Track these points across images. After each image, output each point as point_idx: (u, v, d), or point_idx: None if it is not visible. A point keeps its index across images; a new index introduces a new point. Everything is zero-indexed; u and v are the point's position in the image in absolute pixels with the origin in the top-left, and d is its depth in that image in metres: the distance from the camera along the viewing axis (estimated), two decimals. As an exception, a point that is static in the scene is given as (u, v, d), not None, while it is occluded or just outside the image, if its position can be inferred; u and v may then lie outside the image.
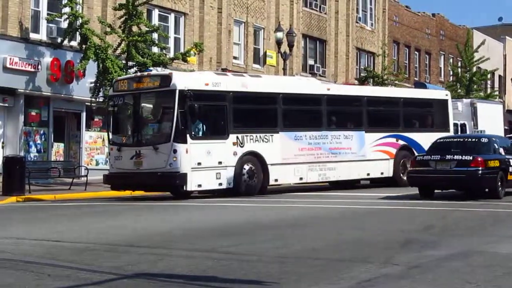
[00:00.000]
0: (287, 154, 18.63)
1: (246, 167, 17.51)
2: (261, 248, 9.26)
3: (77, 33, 23.81)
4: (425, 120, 24.25)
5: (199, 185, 16.58)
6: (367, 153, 20.99)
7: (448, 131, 23.49)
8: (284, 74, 30.65)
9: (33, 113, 24.60)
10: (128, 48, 23.51)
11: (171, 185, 16.71)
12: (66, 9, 23.90)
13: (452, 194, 18.37)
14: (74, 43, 24.52)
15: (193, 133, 16.52)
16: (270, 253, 8.81)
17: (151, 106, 18.17)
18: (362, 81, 38.38)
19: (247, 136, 17.65)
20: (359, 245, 9.83)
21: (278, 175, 18.53)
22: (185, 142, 15.99)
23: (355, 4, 40.25)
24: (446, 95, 25.13)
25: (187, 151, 16.01)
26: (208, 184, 16.83)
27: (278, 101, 18.96)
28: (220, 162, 16.87)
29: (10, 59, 22.23)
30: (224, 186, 17.14)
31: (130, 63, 23.40)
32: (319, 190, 20.83)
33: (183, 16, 30.34)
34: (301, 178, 19.34)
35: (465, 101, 34.05)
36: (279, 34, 29.32)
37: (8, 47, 22.94)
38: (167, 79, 16.87)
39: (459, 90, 42.75)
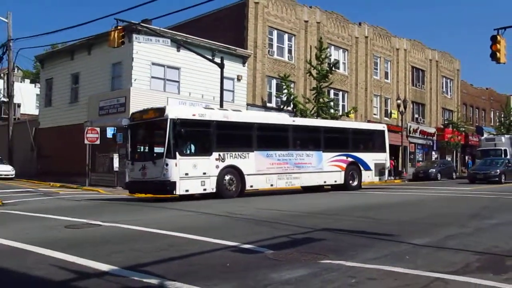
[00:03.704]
0: (260, 167, 20.57)
1: (227, 177, 19.26)
2: (384, 216, 12.63)
3: (291, 103, 35.20)
4: (368, 144, 26.79)
5: (187, 190, 17.97)
6: (324, 167, 23.50)
7: (384, 152, 27.09)
8: (402, 124, 43.17)
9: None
10: (317, 110, 35.16)
11: (164, 190, 17.79)
12: (285, 91, 35.89)
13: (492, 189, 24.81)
14: (289, 108, 34.91)
15: (181, 151, 17.87)
16: (390, 219, 11.92)
17: (153, 131, 19.72)
18: (445, 126, 54.35)
19: (227, 153, 19.34)
20: (444, 216, 12.90)
21: (253, 183, 20.43)
22: (174, 158, 17.41)
23: (441, 83, 56.32)
24: (383, 127, 28.51)
25: (176, 165, 17.44)
26: (194, 189, 18.34)
27: (253, 128, 20.93)
28: (204, 173, 18.47)
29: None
30: (208, 191, 18.64)
31: (319, 118, 33.24)
32: (299, 193, 23.00)
33: (346, 93, 43.60)
34: (271, 185, 21.34)
35: (506, 136, 47.78)
36: (398, 101, 42.68)
37: (255, 109, 32.09)
38: (162, 111, 18.19)
39: (503, 130, 58.35)
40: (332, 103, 37.75)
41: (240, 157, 19.94)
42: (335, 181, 24.08)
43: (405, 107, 43.38)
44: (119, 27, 22.42)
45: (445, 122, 55.67)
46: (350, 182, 24.63)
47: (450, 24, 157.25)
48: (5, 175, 34.00)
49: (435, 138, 54.28)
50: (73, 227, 10.88)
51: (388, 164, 27.50)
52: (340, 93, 42.99)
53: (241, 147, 20.25)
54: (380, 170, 26.45)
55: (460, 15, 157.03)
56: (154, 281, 5.85)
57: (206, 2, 18.99)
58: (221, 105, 26.63)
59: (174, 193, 17.61)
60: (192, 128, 18.67)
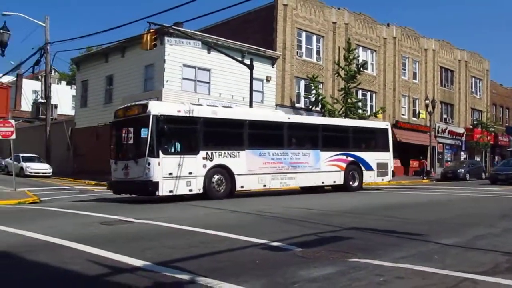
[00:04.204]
0: (252, 167, 19.06)
1: (216, 177, 17.91)
2: (411, 216, 12.36)
3: (319, 103, 35.49)
4: (370, 142, 25.12)
5: (171, 191, 16.61)
6: (322, 166, 21.81)
7: (388, 151, 25.27)
8: (430, 124, 42.50)
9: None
10: (345, 111, 35.25)
11: (146, 190, 16.53)
12: (313, 91, 36.16)
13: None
14: (317, 109, 35.71)
15: (165, 149, 16.56)
16: (417, 219, 11.64)
17: (136, 129, 17.97)
18: (474, 126, 53.84)
19: (216, 152, 17.94)
20: (472, 216, 12.70)
21: (244, 183, 18.90)
22: (157, 156, 16.16)
23: (470, 83, 55.53)
24: (387, 125, 26.52)
25: (159, 164, 16.17)
26: (179, 190, 16.86)
27: (245, 125, 19.33)
28: (190, 173, 17.09)
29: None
30: (194, 192, 17.24)
31: (347, 118, 32.92)
32: (297, 194, 21.26)
33: (374, 93, 43.47)
34: (264, 185, 19.78)
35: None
36: (427, 101, 42.14)
37: (284, 111, 28.48)
38: (145, 107, 16.87)
39: None
40: (360, 104, 37.58)
41: (230, 156, 18.54)
42: (334, 182, 22.50)
43: (433, 107, 42.95)
44: (151, 30, 22.74)
45: (474, 122, 54.96)
46: (350, 182, 23.06)
47: (480, 23, 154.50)
48: (43, 173, 34.75)
49: (463, 138, 53.46)
50: (107, 223, 11.02)
51: (392, 164, 25.74)
52: (368, 94, 42.75)
53: (232, 145, 18.82)
54: (383, 170, 24.80)
55: (491, 15, 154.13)
56: (185, 276, 5.89)
57: (236, 5, 18.90)
58: (251, 106, 26.79)
59: (157, 194, 16.39)
60: (177, 125, 17.39)
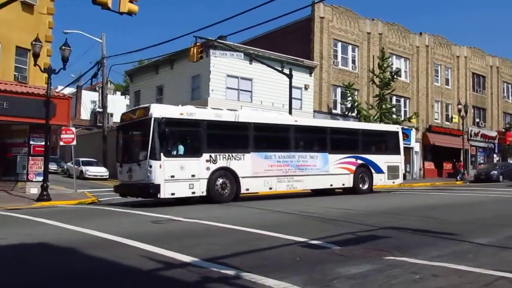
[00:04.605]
0: (257, 169, 17.94)
1: (220, 180, 16.85)
2: (445, 216, 12.11)
3: (355, 109, 35.16)
4: (380, 145, 23.62)
5: (173, 194, 15.75)
6: (331, 169, 20.38)
7: (399, 154, 23.54)
8: (463, 128, 41.49)
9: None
10: (380, 116, 34.68)
11: (148, 193, 15.72)
12: (349, 98, 35.63)
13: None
14: (353, 114, 35.33)
15: (167, 152, 15.69)
16: (452, 219, 11.41)
17: (139, 132, 16.99)
18: (507, 130, 52.20)
19: (220, 155, 16.89)
20: (505, 217, 12.40)
21: (249, 186, 17.73)
22: (159, 159, 15.32)
23: (502, 88, 53.49)
24: (397, 128, 24.73)
25: (160, 166, 15.33)
26: (181, 192, 15.99)
27: (250, 128, 18.19)
28: (193, 175, 16.12)
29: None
30: (197, 194, 16.32)
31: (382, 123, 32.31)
32: (307, 196, 19.69)
33: (408, 99, 42.77)
34: (270, 188, 18.57)
35: None
36: (459, 106, 40.99)
37: (321, 117, 32.57)
38: (147, 110, 16.06)
39: None
40: (394, 109, 37.01)
41: (235, 158, 17.35)
42: (343, 184, 21.03)
43: (466, 112, 41.80)
44: (197, 44, 22.99)
45: (507, 126, 53.24)
46: (360, 185, 21.52)
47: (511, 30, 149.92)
48: (100, 176, 35.53)
49: (496, 141, 51.92)
50: (158, 222, 11.16)
51: (403, 167, 24.00)
52: (402, 100, 42.12)
53: (236, 148, 17.63)
54: (393, 173, 23.10)
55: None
56: (231, 272, 5.90)
57: (276, 19, 19.05)
58: (290, 112, 26.67)
59: (158, 196, 15.46)
60: (180, 128, 16.43)
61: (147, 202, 16.50)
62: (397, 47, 42.07)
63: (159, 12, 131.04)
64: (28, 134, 22.95)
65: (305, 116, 30.66)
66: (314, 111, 34.75)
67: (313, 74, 35.27)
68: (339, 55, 37.84)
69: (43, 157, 20.68)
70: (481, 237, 8.50)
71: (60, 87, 39.74)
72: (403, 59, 42.78)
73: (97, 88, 57.31)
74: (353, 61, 38.86)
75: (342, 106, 37.06)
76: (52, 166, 36.02)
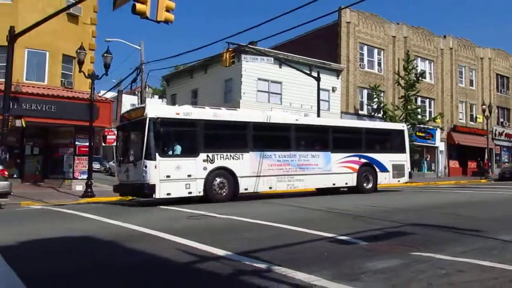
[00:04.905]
0: (256, 169, 17.00)
1: (218, 179, 16.04)
2: (470, 213, 11.88)
3: (381, 110, 34.81)
4: (384, 144, 22.24)
5: (168, 194, 15.05)
6: (333, 168, 19.27)
7: (404, 152, 22.17)
8: (487, 127, 40.57)
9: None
10: (406, 116, 33.78)
11: (143, 193, 15.06)
12: (375, 99, 35.19)
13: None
14: (379, 115, 34.82)
15: (162, 152, 14.99)
16: (476, 216, 11.23)
17: (136, 131, 16.24)
18: None
19: (217, 154, 16.07)
20: None
21: (248, 185, 16.81)
22: (154, 159, 14.65)
23: None
24: (403, 126, 23.39)
25: (155, 167, 14.67)
26: (177, 192, 15.28)
27: (248, 128, 17.26)
28: (189, 175, 15.39)
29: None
30: (194, 194, 15.56)
31: (407, 124, 29.79)
32: (311, 195, 18.88)
33: (433, 100, 41.99)
34: (270, 187, 17.59)
35: None
36: (483, 107, 40.06)
37: (348, 118, 32.17)
38: (142, 110, 15.42)
39: None
40: (419, 110, 36.31)
41: (233, 158, 16.48)
42: (346, 183, 19.87)
43: (490, 112, 40.82)
44: (230, 49, 23.04)
45: (529, 125, 51.47)
46: (364, 184, 20.29)
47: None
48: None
49: (520, 140, 50.52)
50: (193, 218, 11.26)
51: (408, 165, 22.53)
52: (427, 100, 41.34)
53: (234, 147, 16.72)
54: (399, 171, 21.72)
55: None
56: (262, 265, 5.89)
57: (304, 24, 18.90)
58: (318, 114, 26.62)
59: (154, 196, 14.79)
60: (176, 128, 15.72)
61: (182, 200, 16.49)
62: (421, 50, 41.36)
63: (193, 20, 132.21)
64: (73, 136, 23.59)
65: (333, 117, 30.48)
66: (342, 112, 34.49)
67: (340, 77, 35.00)
68: (365, 58, 37.46)
69: (87, 157, 21.06)
70: (506, 234, 8.25)
71: (102, 92, 40.52)
72: (427, 61, 42.05)
73: (136, 92, 57.93)
74: (379, 64, 38.39)
75: (369, 107, 36.61)
76: (96, 165, 36.35)
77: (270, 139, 18.19)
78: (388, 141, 22.44)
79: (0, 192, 15.34)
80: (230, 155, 16.45)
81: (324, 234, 8.18)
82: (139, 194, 15.56)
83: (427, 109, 40.78)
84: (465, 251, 6.77)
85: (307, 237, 7.99)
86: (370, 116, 35.43)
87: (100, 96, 26.98)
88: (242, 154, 16.73)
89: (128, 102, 63.18)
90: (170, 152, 15.44)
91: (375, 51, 38.18)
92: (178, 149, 15.68)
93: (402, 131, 22.62)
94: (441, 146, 42.24)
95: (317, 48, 35.51)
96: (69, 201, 16.90)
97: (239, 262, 6.11)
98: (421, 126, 34.77)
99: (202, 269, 5.94)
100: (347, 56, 35.89)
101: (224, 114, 16.96)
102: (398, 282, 5.16)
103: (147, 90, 52.18)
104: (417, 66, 38.09)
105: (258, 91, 30.77)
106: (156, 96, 75.09)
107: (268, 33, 70.84)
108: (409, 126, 32.42)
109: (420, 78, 35.87)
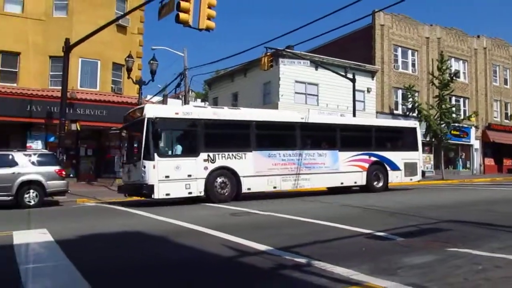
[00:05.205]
0: (260, 168, 16.05)
1: (219, 179, 15.22)
2: (506, 210, 11.53)
3: (415, 110, 33.17)
4: (396, 142, 20.87)
5: (167, 194, 14.28)
6: (341, 167, 18.08)
7: (416, 150, 20.79)
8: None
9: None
10: (440, 115, 32.45)
11: (142, 193, 14.45)
12: (410, 99, 33.92)
13: None
14: (414, 115, 33.26)
15: (161, 152, 14.41)
16: None
17: (136, 132, 15.45)
18: None
19: (218, 154, 15.22)
20: None
21: (251, 185, 15.89)
22: (152, 159, 13.97)
23: None
24: (415, 124, 22.00)
25: (154, 167, 14.00)
26: (177, 193, 14.52)
27: (251, 127, 16.28)
28: (189, 175, 14.63)
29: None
30: (194, 195, 14.79)
31: (442, 123, 31.92)
32: (322, 195, 18.36)
33: (467, 99, 40.94)
34: (274, 187, 16.56)
35: None
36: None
37: (383, 117, 31.59)
38: (141, 110, 14.74)
39: None
40: (453, 109, 35.18)
41: (235, 157, 15.59)
42: (355, 182, 18.60)
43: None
44: (268, 54, 23.14)
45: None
46: (375, 183, 18.99)
47: None
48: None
49: (557, 138, 48.29)
50: (236, 214, 11.33)
51: (421, 163, 21.17)
52: (461, 99, 40.21)
53: (237, 147, 15.84)
54: (411, 170, 20.32)
55: None
56: (302, 260, 5.89)
57: (339, 28, 18.79)
58: (354, 114, 26.33)
59: (153, 197, 14.08)
60: (175, 128, 15.13)
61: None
62: (455, 50, 40.31)
63: (233, 26, 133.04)
64: (123, 138, 24.03)
65: (368, 117, 29.89)
66: (377, 112, 34.05)
67: (375, 78, 34.56)
68: (399, 59, 36.87)
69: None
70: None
71: (149, 96, 41.31)
72: (461, 61, 40.93)
73: (180, 96, 58.77)
74: (413, 65, 37.67)
75: (403, 107, 35.89)
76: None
77: (274, 137, 17.36)
78: (400, 139, 21.19)
79: (58, 191, 15.93)
80: (232, 155, 15.62)
81: (361, 230, 8.08)
82: (139, 194, 14.86)
83: (462, 108, 39.68)
84: (502, 247, 6.54)
85: (345, 233, 7.92)
86: (405, 116, 34.66)
87: (147, 101, 27.51)
88: (245, 154, 15.87)
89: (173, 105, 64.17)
90: (170, 152, 14.92)
91: (409, 52, 37.52)
92: (177, 149, 15.14)
93: (414, 129, 21.30)
94: (476, 144, 41.02)
95: (352, 51, 35.17)
96: (120, 199, 17.29)
97: (280, 257, 6.13)
98: (456, 124, 33.68)
99: (245, 263, 5.99)
100: (382, 57, 35.43)
101: (224, 113, 16.24)
102: (434, 277, 5.06)
103: (190, 94, 52.75)
104: (451, 66, 37.09)
105: (296, 93, 30.74)
106: (199, 100, 75.94)
107: (305, 37, 70.54)
108: (443, 125, 31.86)
109: (454, 78, 34.87)
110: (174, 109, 15.25)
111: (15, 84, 22.65)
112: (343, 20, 24.79)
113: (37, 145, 22.89)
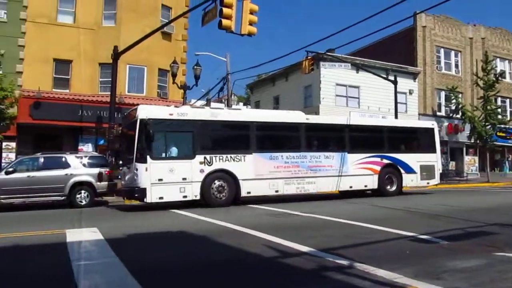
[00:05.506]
0: (261, 171, 15.14)
1: (217, 182, 14.40)
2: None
3: (459, 111, 32.33)
4: (411, 143, 19.63)
5: (161, 198, 13.57)
6: (350, 170, 16.90)
7: (434, 152, 19.30)
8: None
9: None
10: (485, 117, 31.32)
11: (134, 196, 13.99)
12: (453, 101, 33.13)
13: None
14: (457, 116, 32.93)
15: (154, 154, 13.52)
16: None
17: (130, 134, 14.49)
18: None
19: (215, 156, 14.38)
20: None
21: (251, 189, 14.98)
22: (145, 162, 13.30)
23: None
24: (432, 124, 20.24)
25: (146, 169, 13.31)
26: (171, 196, 13.73)
27: (251, 128, 15.39)
28: (184, 178, 13.84)
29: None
30: (189, 198, 13.97)
31: (487, 124, 30.94)
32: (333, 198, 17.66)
33: (514, 99, 39.19)
34: (277, 191, 15.56)
35: None
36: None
37: (426, 119, 28.76)
38: (135, 111, 14.07)
39: None
40: (499, 110, 33.79)
41: (234, 160, 14.69)
42: (366, 186, 17.34)
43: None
44: (309, 57, 23.03)
45: None
46: (388, 187, 17.74)
47: None
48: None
49: None
50: (277, 216, 11.29)
51: (439, 166, 19.56)
52: (508, 100, 38.33)
53: (236, 149, 14.92)
54: (428, 172, 18.81)
55: None
56: (344, 262, 5.80)
57: (380, 30, 18.46)
58: (396, 116, 25.78)
59: (145, 200, 13.46)
60: (169, 129, 14.04)
61: (265, 199, 16.43)
62: (500, 50, 38.69)
63: (274, 31, 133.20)
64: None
65: (410, 119, 29.07)
66: (419, 114, 33.08)
67: (417, 80, 33.66)
68: (442, 60, 35.70)
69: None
70: None
71: (193, 100, 41.79)
72: (507, 61, 39.20)
73: (223, 100, 59.35)
74: (456, 66, 36.42)
75: (447, 108, 34.81)
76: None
77: (276, 139, 16.42)
78: (415, 141, 19.87)
79: (107, 191, 16.40)
80: (231, 157, 14.70)
81: (404, 233, 7.90)
82: (133, 197, 14.34)
83: (508, 109, 37.97)
84: (553, 252, 6.22)
85: (387, 236, 7.75)
86: (449, 117, 33.85)
87: (191, 105, 27.88)
88: (244, 156, 14.93)
89: (216, 109, 64.87)
90: (163, 155, 13.93)
91: (452, 53, 36.32)
92: (172, 151, 14.23)
93: (431, 130, 19.75)
94: (524, 146, 39.15)
95: (393, 53, 34.49)
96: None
97: (322, 258, 6.06)
98: (502, 126, 32.41)
99: (286, 264, 5.95)
100: (424, 59, 34.50)
101: (222, 114, 15.33)
102: (480, 281, 4.87)
103: (232, 98, 53.18)
104: (496, 67, 35.70)
105: (337, 95, 30.40)
106: (241, 103, 76.37)
107: (346, 40, 69.76)
108: (489, 126, 30.76)
109: (499, 78, 33.56)
110: (168, 110, 14.68)
111: (67, 90, 23.48)
112: (384, 23, 24.65)
113: (87, 148, 23.62)
